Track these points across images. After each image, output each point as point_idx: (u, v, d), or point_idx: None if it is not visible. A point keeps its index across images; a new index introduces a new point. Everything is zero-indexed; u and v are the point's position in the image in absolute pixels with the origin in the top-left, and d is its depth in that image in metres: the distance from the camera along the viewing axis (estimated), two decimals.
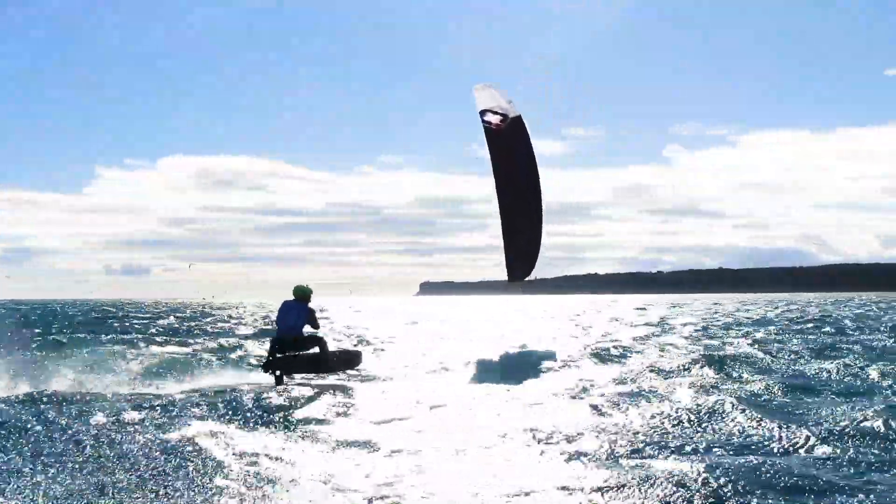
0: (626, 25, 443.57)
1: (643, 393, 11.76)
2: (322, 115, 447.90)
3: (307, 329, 13.86)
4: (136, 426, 9.34)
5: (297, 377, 13.89)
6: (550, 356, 18.16)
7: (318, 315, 14.17)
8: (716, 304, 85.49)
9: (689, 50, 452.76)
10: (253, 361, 16.97)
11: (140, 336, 26.50)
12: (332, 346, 15.30)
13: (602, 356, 17.80)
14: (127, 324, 37.03)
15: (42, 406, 10.54)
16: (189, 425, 9.20)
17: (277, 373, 13.39)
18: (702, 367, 15.18)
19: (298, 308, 13.77)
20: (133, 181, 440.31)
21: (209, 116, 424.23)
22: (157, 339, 25.17)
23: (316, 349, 13.84)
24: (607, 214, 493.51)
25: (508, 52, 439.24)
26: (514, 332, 29.14)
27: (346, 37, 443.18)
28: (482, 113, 21.49)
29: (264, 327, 32.98)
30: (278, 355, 13.54)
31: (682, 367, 15.32)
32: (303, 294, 13.90)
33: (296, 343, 13.66)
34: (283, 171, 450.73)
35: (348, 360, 14.76)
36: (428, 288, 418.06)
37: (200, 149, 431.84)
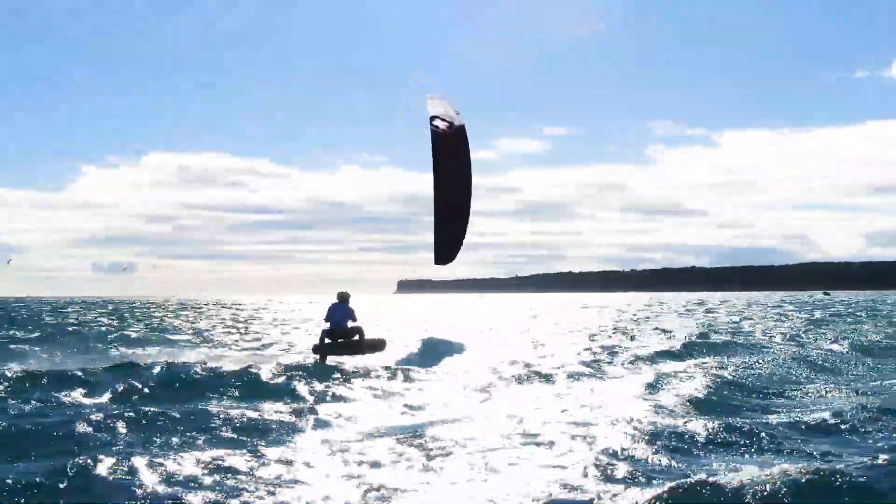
0: (606, 24, 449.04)
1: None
2: (303, 112, 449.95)
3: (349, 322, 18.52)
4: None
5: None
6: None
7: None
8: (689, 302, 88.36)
9: (667, 48, 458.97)
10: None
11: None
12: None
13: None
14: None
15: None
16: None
17: (324, 354, 18.04)
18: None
19: (343, 308, 18.49)
20: (116, 178, 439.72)
21: (191, 113, 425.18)
22: None
23: (356, 337, 18.52)
24: (587, 213, 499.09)
25: (486, 50, 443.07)
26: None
27: (327, 35, 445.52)
28: (431, 118, 24.62)
29: None
30: (327, 341, 18.25)
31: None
32: (344, 297, 18.71)
33: (342, 334, 18.41)
34: (264, 169, 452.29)
35: (375, 345, 19.21)
36: (405, 286, 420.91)
37: (182, 146, 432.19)
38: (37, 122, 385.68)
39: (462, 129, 24.45)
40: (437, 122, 24.69)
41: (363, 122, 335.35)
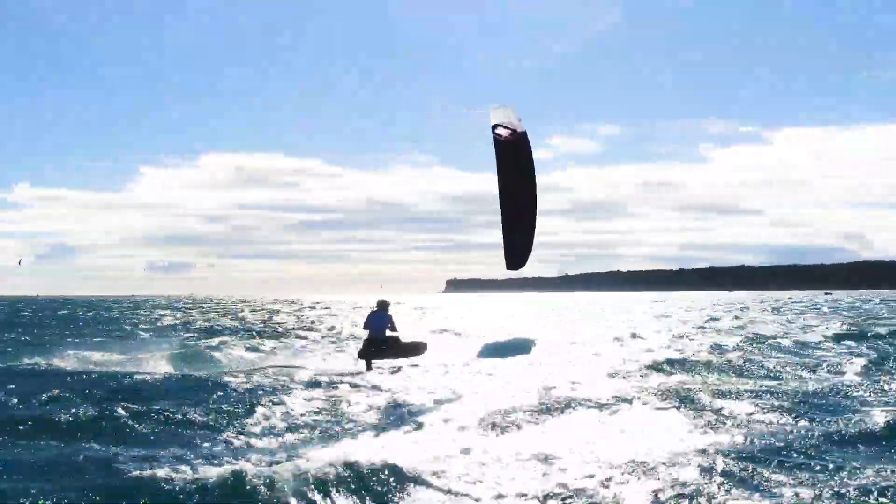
0: (659, 23, 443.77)
1: None
2: (354, 113, 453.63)
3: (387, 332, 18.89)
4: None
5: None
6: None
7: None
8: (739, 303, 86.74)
9: (719, 47, 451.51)
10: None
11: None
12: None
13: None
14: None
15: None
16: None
17: (369, 360, 18.48)
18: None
19: (382, 315, 18.73)
20: (173, 179, 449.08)
21: (245, 114, 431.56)
22: None
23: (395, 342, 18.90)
24: (640, 212, 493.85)
25: (539, 48, 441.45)
26: None
27: (379, 36, 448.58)
28: (494, 127, 25.39)
29: None
30: (371, 349, 18.55)
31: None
32: (383, 305, 18.96)
33: (381, 340, 18.61)
34: (317, 169, 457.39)
35: (415, 348, 19.59)
36: (454, 285, 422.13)
37: (237, 146, 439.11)
38: (97, 125, 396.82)
39: (524, 135, 25.20)
40: (500, 131, 25.52)
41: (413, 122, 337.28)
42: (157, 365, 18.28)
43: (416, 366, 18.11)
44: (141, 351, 21.46)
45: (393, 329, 18.67)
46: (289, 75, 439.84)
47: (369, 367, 18.14)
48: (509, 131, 25.27)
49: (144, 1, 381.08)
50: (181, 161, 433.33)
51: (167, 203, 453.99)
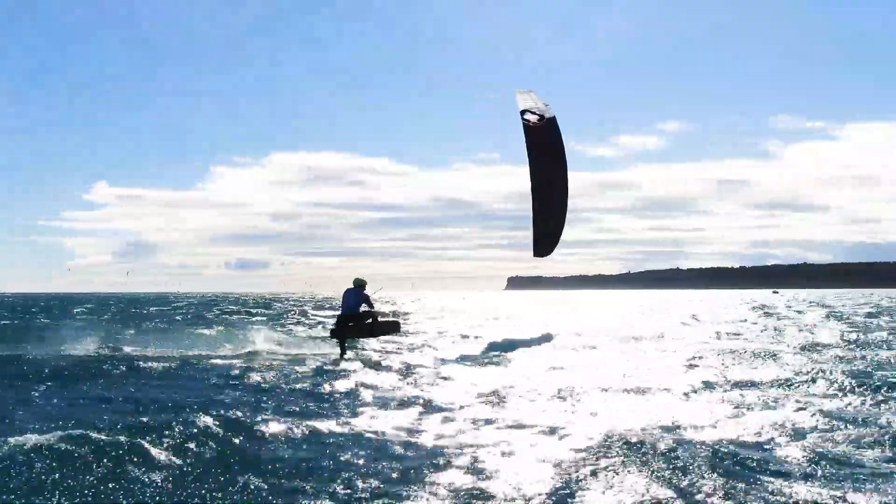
0: (723, 19, 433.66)
1: None
2: (418, 111, 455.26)
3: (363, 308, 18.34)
4: None
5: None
6: None
7: (379, 305, 18.95)
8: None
9: (782, 41, 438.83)
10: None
11: None
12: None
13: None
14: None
15: None
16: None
17: (342, 341, 17.92)
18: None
19: (356, 293, 18.24)
20: (244, 178, 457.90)
21: (312, 114, 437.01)
22: None
23: (369, 320, 18.37)
24: (708, 209, 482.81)
25: (602, 46, 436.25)
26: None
27: (440, 35, 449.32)
28: (522, 112, 24.58)
29: None
30: (343, 325, 18.09)
31: None
32: (360, 283, 18.30)
33: (354, 318, 18.18)
34: (384, 168, 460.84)
35: (390, 327, 19.37)
36: (515, 283, 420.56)
37: (305, 146, 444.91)
38: (171, 125, 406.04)
39: (553, 120, 24.28)
40: (528, 116, 24.62)
41: (476, 120, 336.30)
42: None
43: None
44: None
45: (370, 306, 18.24)
46: (356, 74, 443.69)
47: (341, 344, 17.71)
48: (537, 117, 24.44)
49: (212, 1, 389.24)
50: (251, 160, 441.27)
51: (239, 202, 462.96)
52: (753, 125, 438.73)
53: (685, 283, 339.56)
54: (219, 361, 15.85)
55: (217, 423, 8.53)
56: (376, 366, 15.40)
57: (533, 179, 23.66)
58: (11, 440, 7.50)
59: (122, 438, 7.56)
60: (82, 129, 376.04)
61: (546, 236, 23.89)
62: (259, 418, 9.15)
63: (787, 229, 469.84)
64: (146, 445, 7.41)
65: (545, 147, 23.82)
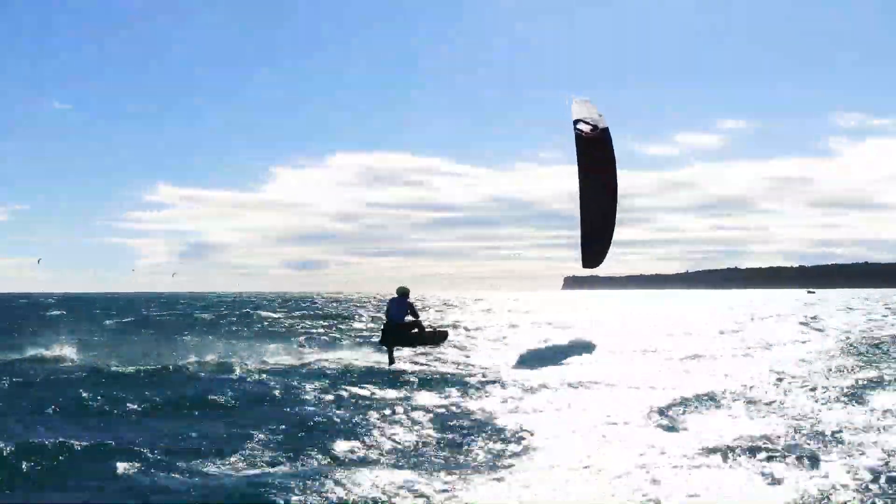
0: (782, 13, 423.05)
1: None
2: (479, 111, 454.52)
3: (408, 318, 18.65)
4: None
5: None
6: None
7: (417, 306, 19.35)
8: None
9: (844, 37, 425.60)
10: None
11: None
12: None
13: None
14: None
15: None
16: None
17: (391, 348, 18.34)
18: None
19: (401, 302, 18.51)
20: (303, 179, 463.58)
21: (372, 114, 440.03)
22: None
23: (415, 330, 18.68)
24: (770, 207, 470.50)
25: (660, 41, 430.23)
26: None
27: (500, 36, 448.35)
28: (575, 122, 25.26)
29: None
30: (391, 335, 18.40)
31: None
32: (403, 292, 18.66)
33: (400, 327, 18.50)
34: (444, 168, 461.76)
35: (438, 336, 19.76)
36: (572, 282, 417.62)
37: (365, 146, 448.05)
38: (231, 126, 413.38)
39: (606, 130, 24.71)
40: (581, 126, 25.17)
41: (537, 120, 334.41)
42: None
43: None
44: None
45: (415, 316, 18.55)
46: (415, 74, 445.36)
47: (390, 353, 18.15)
48: (591, 127, 24.87)
49: (270, 3, 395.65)
50: (310, 161, 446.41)
51: (299, 202, 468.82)
52: (815, 122, 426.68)
53: (745, 283, 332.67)
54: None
55: None
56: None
57: (582, 191, 24.04)
58: None
59: None
60: (147, 130, 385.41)
61: (594, 247, 24.49)
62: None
63: (850, 228, 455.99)
64: None
65: (596, 159, 24.27)
